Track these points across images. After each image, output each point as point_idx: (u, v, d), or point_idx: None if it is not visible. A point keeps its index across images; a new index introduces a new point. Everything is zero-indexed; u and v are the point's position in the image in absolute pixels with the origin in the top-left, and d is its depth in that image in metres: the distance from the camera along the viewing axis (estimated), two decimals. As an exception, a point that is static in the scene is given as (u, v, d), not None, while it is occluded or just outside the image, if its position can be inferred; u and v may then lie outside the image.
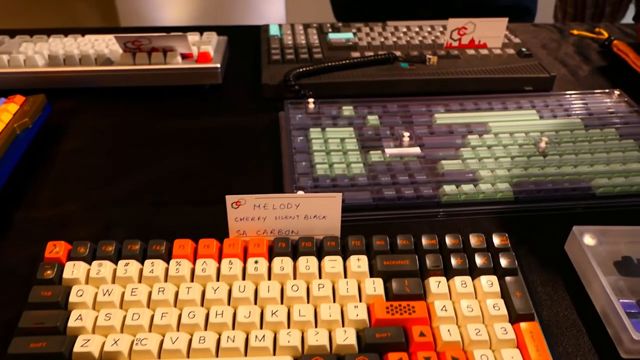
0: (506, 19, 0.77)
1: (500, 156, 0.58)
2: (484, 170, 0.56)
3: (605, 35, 0.88)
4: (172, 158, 0.61)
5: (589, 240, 0.49)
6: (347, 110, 0.66)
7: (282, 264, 0.41)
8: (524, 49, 0.77)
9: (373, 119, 0.64)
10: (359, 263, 0.41)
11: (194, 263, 0.42)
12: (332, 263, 0.41)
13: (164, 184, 0.57)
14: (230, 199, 0.42)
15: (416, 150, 0.59)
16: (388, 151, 0.59)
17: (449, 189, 0.53)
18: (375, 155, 0.58)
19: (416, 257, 0.42)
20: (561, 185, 0.54)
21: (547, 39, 0.89)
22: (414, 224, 0.52)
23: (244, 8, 2.15)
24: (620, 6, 1.28)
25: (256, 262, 0.41)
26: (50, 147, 0.62)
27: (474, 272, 0.42)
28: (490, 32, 0.78)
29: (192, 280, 0.41)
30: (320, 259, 0.42)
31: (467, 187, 0.54)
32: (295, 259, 0.42)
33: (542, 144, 0.60)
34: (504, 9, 1.00)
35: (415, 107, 0.67)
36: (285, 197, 0.42)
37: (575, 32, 0.91)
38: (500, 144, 0.61)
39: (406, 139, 0.60)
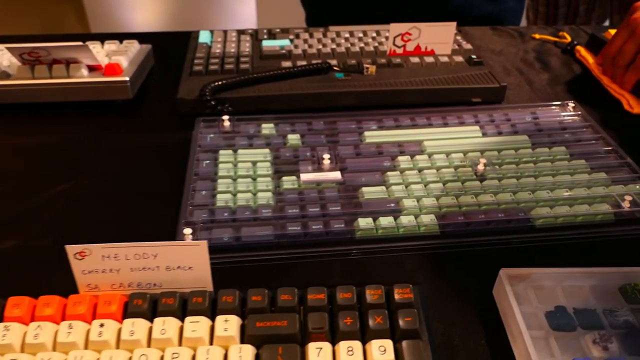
0: (454, 24, 0.70)
1: (431, 181, 0.51)
2: (409, 199, 0.49)
3: (568, 39, 0.81)
4: (66, 185, 0.53)
5: (517, 285, 0.42)
6: (267, 128, 0.58)
7: (134, 327, 0.34)
8: (473, 56, 0.70)
9: (294, 139, 0.57)
10: (226, 325, 0.34)
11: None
12: (194, 325, 0.34)
13: (46, 218, 0.50)
14: (71, 249, 0.35)
15: (336, 175, 0.52)
16: (303, 177, 0.52)
17: (364, 222, 0.46)
18: (288, 182, 0.51)
19: (297, 316, 0.35)
20: (495, 217, 0.47)
21: (506, 44, 0.82)
22: (323, 264, 0.45)
23: (216, 11, 2.08)
24: (594, 5, 1.21)
25: (102, 325, 0.34)
26: None
27: (366, 335, 0.35)
28: (437, 38, 0.70)
29: (22, 350, 0.34)
30: (183, 320, 0.35)
31: (385, 220, 0.46)
32: (153, 319, 0.35)
33: (480, 167, 0.53)
34: (484, 18, 0.93)
35: (344, 123, 0.59)
36: (138, 245, 0.35)
37: (536, 36, 0.84)
38: (433, 167, 0.53)
39: (326, 162, 0.53)
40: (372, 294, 0.36)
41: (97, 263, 0.35)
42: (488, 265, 0.45)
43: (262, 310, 0.35)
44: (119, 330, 0.34)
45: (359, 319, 0.35)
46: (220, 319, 0.35)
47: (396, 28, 0.69)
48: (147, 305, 0.35)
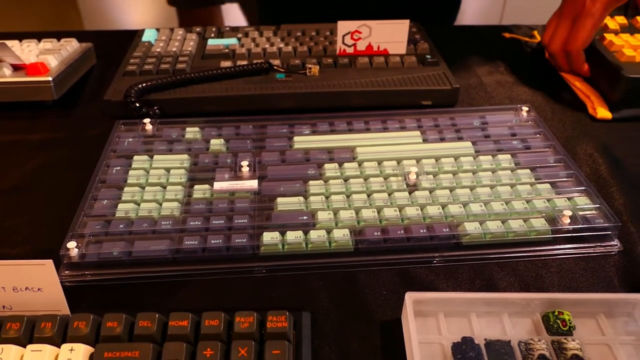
0: (407, 21, 0.65)
1: (356, 191, 0.47)
2: (325, 211, 0.45)
3: (538, 39, 0.76)
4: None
5: (425, 311, 0.37)
6: (192, 132, 0.55)
7: (-33, 356, 0.31)
8: (428, 56, 0.65)
9: (217, 144, 0.53)
10: (70, 355, 0.30)
11: None
12: (36, 355, 0.30)
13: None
14: None
15: (252, 184, 0.48)
16: (217, 185, 0.48)
17: (268, 237, 0.42)
18: (199, 191, 0.47)
19: (152, 346, 0.31)
20: (416, 232, 0.43)
21: (472, 44, 0.78)
22: (222, 282, 0.41)
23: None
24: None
25: None
26: None
27: (228, 370, 0.31)
28: (390, 37, 0.66)
29: None
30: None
31: (292, 235, 0.42)
32: (-5, 347, 0.31)
33: (411, 176, 0.48)
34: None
35: (275, 127, 0.55)
36: (-25, 264, 0.31)
37: (507, 35, 0.79)
38: (362, 175, 0.49)
39: (245, 170, 0.49)
40: (241, 322, 0.32)
41: None
42: (403, 286, 0.41)
43: (116, 338, 0.32)
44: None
45: (220, 350, 0.31)
46: (65, 347, 0.31)
47: (344, 26, 0.65)
48: (-10, 330, 0.32)
